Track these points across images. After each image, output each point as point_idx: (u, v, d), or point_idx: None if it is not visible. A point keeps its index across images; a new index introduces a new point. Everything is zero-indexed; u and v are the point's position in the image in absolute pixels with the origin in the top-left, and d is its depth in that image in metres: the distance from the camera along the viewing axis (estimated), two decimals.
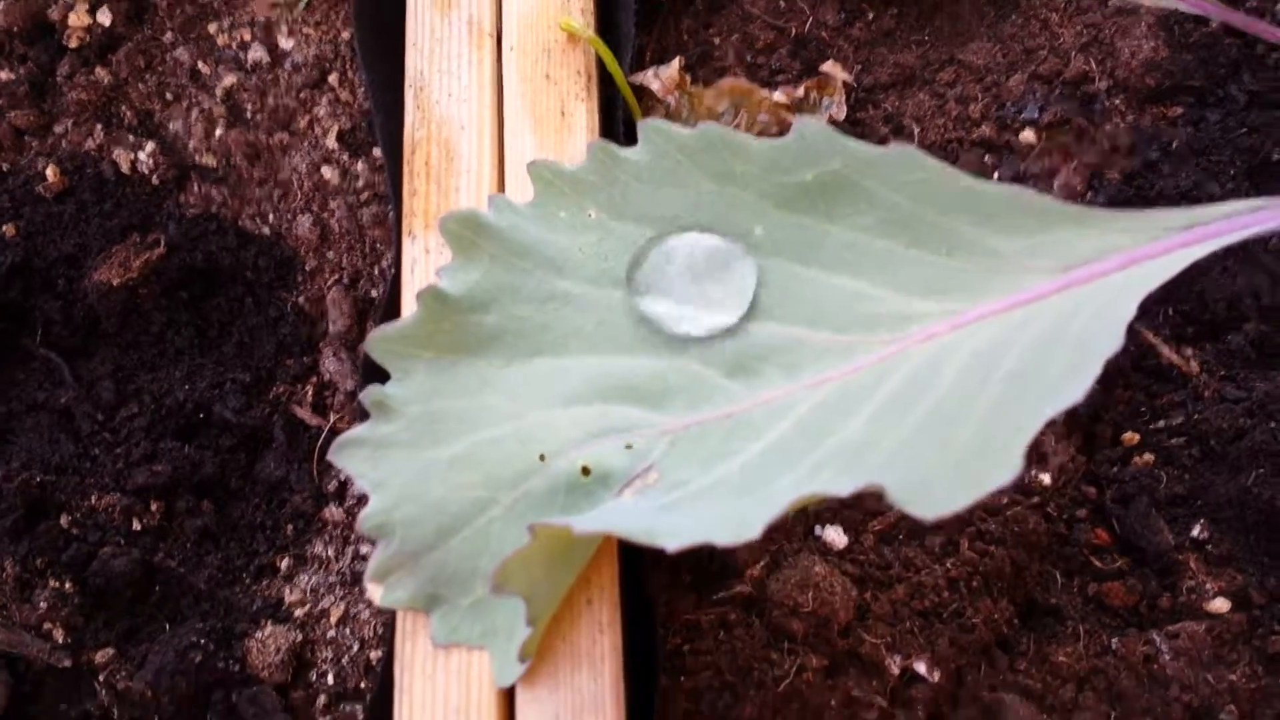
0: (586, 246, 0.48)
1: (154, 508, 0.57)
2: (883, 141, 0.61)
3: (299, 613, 0.56)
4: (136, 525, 0.57)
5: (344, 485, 0.59)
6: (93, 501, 0.57)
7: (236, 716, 0.53)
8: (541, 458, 0.46)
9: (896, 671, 0.51)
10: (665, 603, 0.52)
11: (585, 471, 0.46)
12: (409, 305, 0.52)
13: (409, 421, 0.47)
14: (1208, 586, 0.53)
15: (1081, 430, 0.57)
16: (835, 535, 0.54)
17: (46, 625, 0.55)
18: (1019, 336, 0.41)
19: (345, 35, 0.67)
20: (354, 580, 0.56)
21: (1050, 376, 0.38)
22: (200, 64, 0.67)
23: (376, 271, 0.62)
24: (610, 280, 0.48)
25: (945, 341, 0.43)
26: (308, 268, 0.63)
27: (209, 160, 0.65)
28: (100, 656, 0.54)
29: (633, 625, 0.48)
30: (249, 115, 0.66)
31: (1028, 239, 0.43)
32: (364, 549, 0.57)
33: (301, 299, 0.63)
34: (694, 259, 0.47)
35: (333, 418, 0.60)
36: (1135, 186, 0.60)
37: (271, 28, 0.68)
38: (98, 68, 0.67)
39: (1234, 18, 0.53)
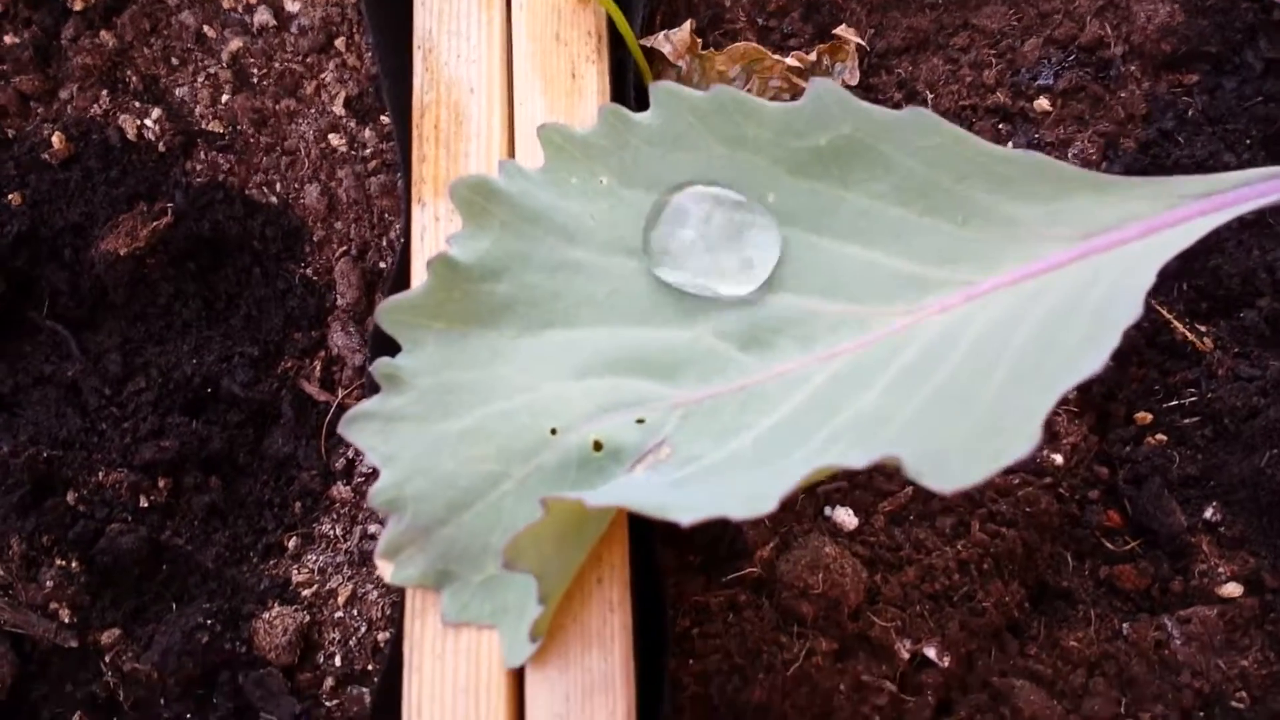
0: (598, 214, 0.48)
1: (161, 484, 0.57)
2: (896, 108, 0.61)
3: (306, 593, 0.56)
4: (144, 502, 0.57)
5: (352, 463, 0.58)
6: (100, 478, 0.57)
7: (242, 699, 0.53)
8: (553, 432, 0.46)
9: (906, 656, 0.51)
10: (674, 584, 0.52)
11: (597, 446, 0.45)
12: (418, 275, 0.51)
13: (420, 394, 0.46)
14: (1220, 570, 0.53)
15: (1094, 409, 0.57)
16: (845, 516, 0.54)
17: (53, 605, 0.54)
18: (1036, 306, 0.41)
19: None
20: (362, 560, 0.56)
21: (1068, 347, 0.38)
22: (206, 28, 0.67)
23: (385, 243, 0.62)
24: (622, 248, 0.47)
25: (961, 312, 0.43)
26: (315, 238, 0.63)
27: (215, 127, 0.65)
28: (106, 637, 0.54)
29: (642, 606, 0.48)
30: (255, 80, 0.66)
31: (1046, 206, 0.43)
32: (372, 528, 0.57)
33: (309, 270, 0.62)
34: (711, 217, 0.47)
35: (341, 393, 0.60)
36: (1151, 155, 0.60)
37: None
38: (102, 31, 0.66)
39: None
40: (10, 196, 0.63)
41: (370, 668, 0.54)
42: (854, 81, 0.62)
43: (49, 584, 0.54)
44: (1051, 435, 0.55)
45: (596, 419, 0.46)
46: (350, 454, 0.59)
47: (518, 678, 0.46)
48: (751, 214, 0.47)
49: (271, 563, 0.56)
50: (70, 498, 0.56)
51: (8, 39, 0.66)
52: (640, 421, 0.45)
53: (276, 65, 0.66)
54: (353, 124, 0.64)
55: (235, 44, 0.66)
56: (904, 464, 0.35)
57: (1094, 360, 0.36)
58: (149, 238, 0.61)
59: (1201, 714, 0.50)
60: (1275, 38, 0.62)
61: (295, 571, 0.56)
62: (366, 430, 0.46)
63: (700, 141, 0.47)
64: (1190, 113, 0.61)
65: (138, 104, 0.65)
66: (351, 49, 0.66)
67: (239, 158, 0.64)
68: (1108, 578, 0.54)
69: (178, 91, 0.66)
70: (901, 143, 0.44)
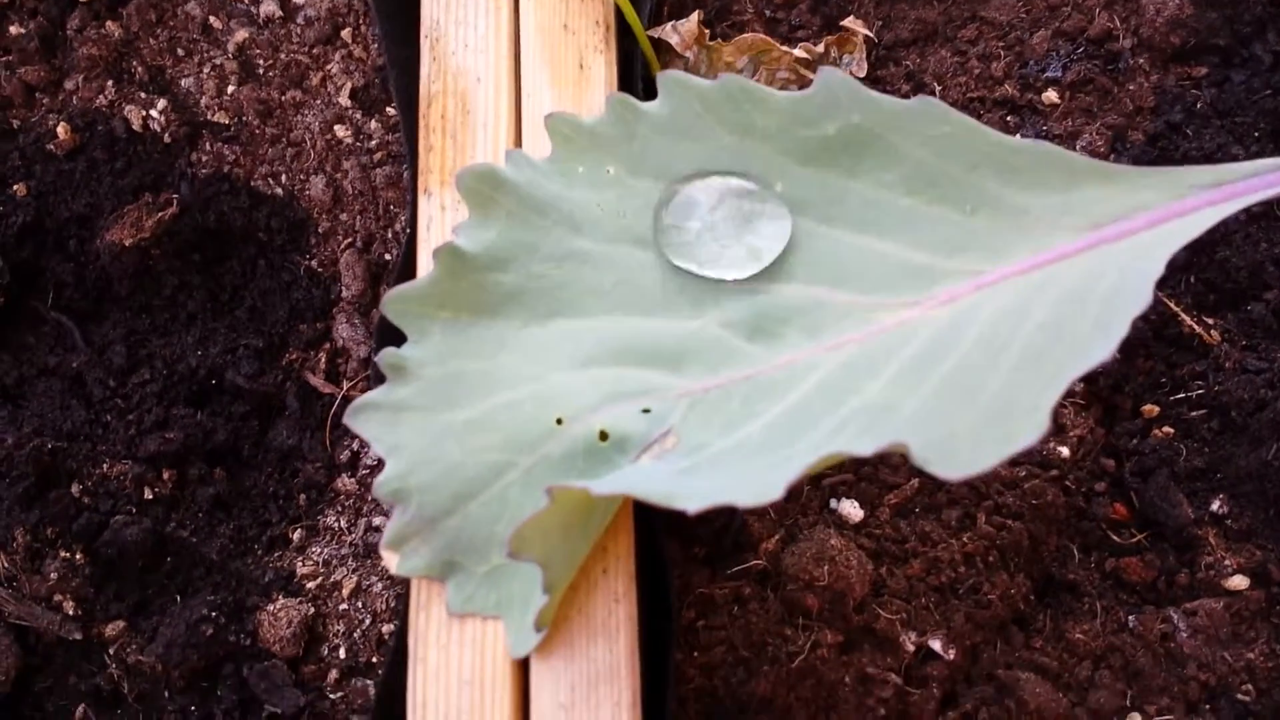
0: (605, 203, 0.47)
1: (166, 476, 0.57)
2: (904, 99, 0.61)
3: (311, 585, 0.55)
4: (148, 494, 0.57)
5: (357, 455, 0.58)
6: (104, 469, 0.57)
7: (247, 691, 0.53)
8: (559, 422, 0.45)
9: (911, 648, 0.50)
10: (679, 576, 0.52)
11: (603, 436, 0.45)
12: (424, 265, 0.51)
13: (426, 384, 0.46)
14: (1226, 563, 0.52)
15: (1101, 402, 0.56)
16: (851, 508, 0.54)
17: (57, 597, 0.54)
18: (1044, 296, 0.41)
19: None
20: (366, 552, 0.56)
21: (1077, 335, 0.38)
22: (212, 18, 0.67)
23: (390, 234, 0.62)
24: (629, 238, 0.47)
25: (969, 302, 0.43)
26: (321, 230, 0.63)
27: (221, 118, 0.65)
28: (111, 629, 0.54)
29: (647, 598, 0.48)
30: (261, 71, 0.66)
31: (1055, 196, 0.43)
32: (376, 520, 0.57)
33: (314, 262, 0.62)
34: (721, 206, 0.47)
35: (345, 385, 0.59)
36: (1159, 148, 0.60)
37: None
38: (108, 21, 0.66)
39: None
40: (15, 187, 0.63)
41: (375, 660, 0.54)
42: (862, 74, 0.62)
43: (53, 576, 0.54)
44: (1058, 428, 0.55)
45: (602, 409, 0.46)
46: (355, 446, 0.58)
47: (523, 668, 0.46)
48: (762, 203, 0.46)
49: (276, 555, 0.56)
50: (75, 489, 0.56)
51: (13, 29, 0.66)
52: (646, 411, 0.45)
53: (282, 56, 0.66)
54: (358, 115, 0.64)
55: (241, 35, 0.66)
56: (911, 451, 0.35)
57: (1103, 348, 0.36)
58: (154, 229, 0.61)
59: (1207, 707, 0.50)
60: None
61: (300, 564, 0.56)
62: (372, 421, 0.46)
63: (708, 131, 0.47)
64: (1199, 105, 0.61)
65: (143, 95, 0.65)
66: (358, 40, 0.66)
67: (244, 149, 0.64)
68: (1114, 570, 0.54)
69: (183, 82, 0.66)
70: (911, 132, 0.44)
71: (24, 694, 0.54)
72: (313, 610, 0.55)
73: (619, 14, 0.58)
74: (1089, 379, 0.56)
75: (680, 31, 0.62)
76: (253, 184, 0.63)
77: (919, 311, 0.43)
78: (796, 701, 0.49)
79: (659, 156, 0.47)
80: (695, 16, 0.62)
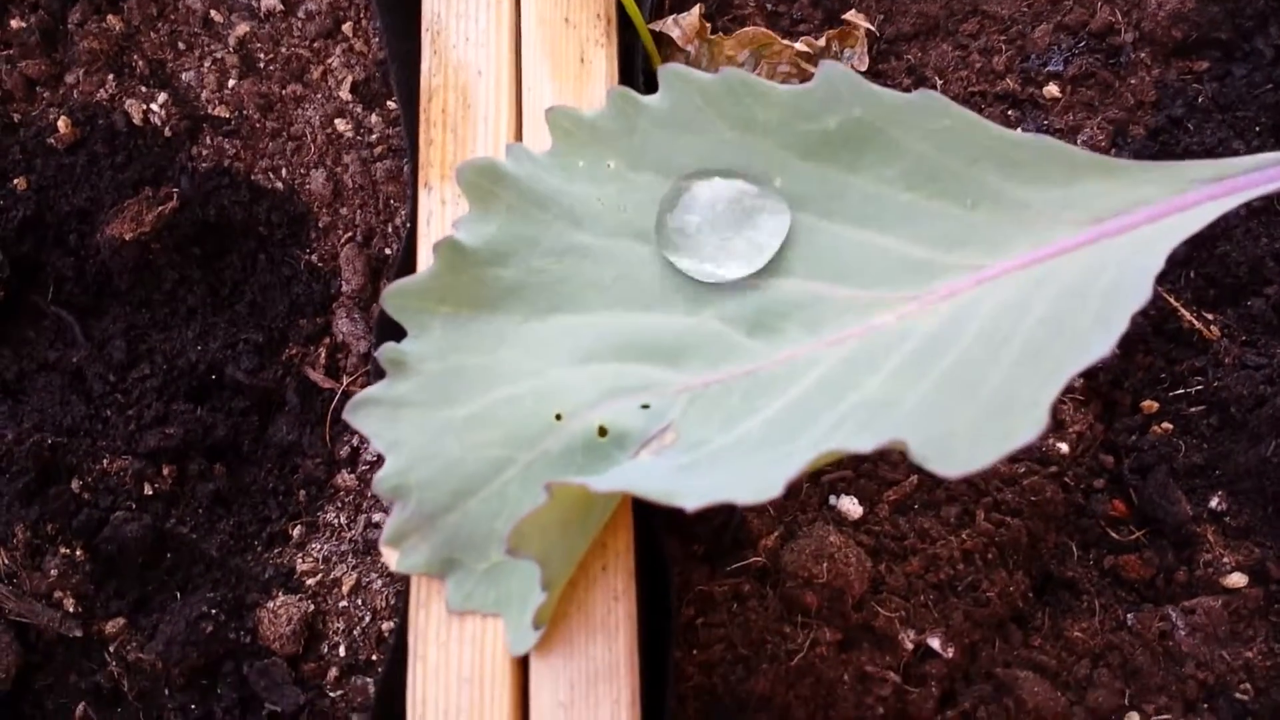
0: (606, 198, 0.47)
1: (166, 472, 0.57)
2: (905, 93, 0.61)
3: (311, 582, 0.55)
4: (148, 490, 0.57)
5: (356, 450, 0.58)
6: (104, 465, 0.57)
7: (246, 688, 0.53)
8: (558, 417, 0.45)
9: (910, 646, 0.50)
10: (679, 574, 0.52)
11: (602, 432, 0.45)
12: (424, 259, 0.51)
13: (426, 379, 0.46)
14: (1225, 560, 0.52)
15: (1100, 398, 0.56)
16: (850, 505, 0.53)
17: (57, 594, 0.54)
18: (1044, 290, 0.41)
19: None
20: (366, 549, 0.56)
21: (1077, 330, 0.38)
22: (213, 12, 0.67)
23: (390, 229, 0.62)
24: (629, 233, 0.47)
25: (969, 297, 0.43)
26: (321, 224, 0.63)
27: (221, 111, 0.65)
28: (111, 627, 0.54)
29: (646, 595, 0.48)
30: (262, 65, 0.66)
31: (1056, 190, 0.43)
32: (376, 516, 0.57)
33: (314, 257, 0.62)
34: (721, 204, 0.46)
35: (345, 380, 0.59)
36: (1160, 142, 0.60)
37: None
38: (109, 15, 0.66)
39: None
40: (16, 181, 0.63)
41: (375, 657, 0.54)
42: (863, 67, 0.62)
43: (53, 573, 0.54)
44: (1057, 424, 0.55)
45: (602, 404, 0.45)
46: (355, 441, 0.58)
47: (522, 666, 0.45)
48: (763, 199, 0.46)
49: (276, 551, 0.56)
50: (75, 485, 0.56)
51: (14, 23, 0.66)
52: (645, 407, 0.45)
53: (283, 50, 0.66)
54: (359, 109, 0.64)
55: (242, 29, 0.66)
56: (910, 448, 0.35)
57: (1103, 343, 0.36)
58: (154, 223, 0.61)
59: (1205, 705, 0.50)
60: None
61: (300, 560, 0.56)
62: (372, 416, 0.46)
63: (709, 125, 0.47)
64: (1200, 100, 0.61)
65: (144, 89, 0.65)
66: (359, 34, 0.66)
67: (245, 143, 0.64)
68: (1112, 568, 0.53)
69: (184, 76, 0.66)
70: (911, 126, 0.44)
71: (24, 691, 0.54)
72: (312, 607, 0.55)
73: (620, 7, 0.58)
74: (1088, 374, 0.56)
75: (681, 25, 0.62)
76: (253, 178, 0.63)
77: (919, 306, 0.43)
78: (795, 699, 0.49)
79: (660, 150, 0.47)
80: (696, 10, 0.62)
